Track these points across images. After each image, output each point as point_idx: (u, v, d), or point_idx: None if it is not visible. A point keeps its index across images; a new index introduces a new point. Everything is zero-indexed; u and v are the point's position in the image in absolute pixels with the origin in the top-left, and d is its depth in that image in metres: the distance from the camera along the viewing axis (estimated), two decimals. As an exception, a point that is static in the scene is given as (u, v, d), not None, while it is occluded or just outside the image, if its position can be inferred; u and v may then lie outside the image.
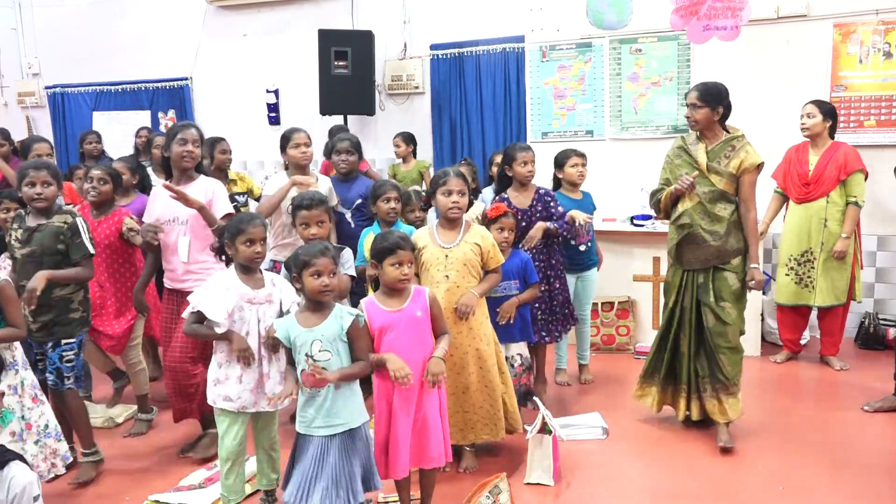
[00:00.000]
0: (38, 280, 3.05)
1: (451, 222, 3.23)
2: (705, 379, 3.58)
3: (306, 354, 2.50)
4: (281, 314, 2.85)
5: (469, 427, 3.25)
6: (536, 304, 3.96)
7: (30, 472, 2.48)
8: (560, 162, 4.35)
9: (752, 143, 3.52)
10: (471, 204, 3.95)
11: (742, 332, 3.60)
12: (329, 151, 4.43)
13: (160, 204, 3.54)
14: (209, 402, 2.91)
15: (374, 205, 3.75)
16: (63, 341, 3.23)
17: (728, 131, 3.55)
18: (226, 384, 2.85)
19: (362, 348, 2.60)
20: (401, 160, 6.20)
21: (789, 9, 5.27)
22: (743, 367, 3.61)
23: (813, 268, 4.59)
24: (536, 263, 3.90)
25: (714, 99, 3.46)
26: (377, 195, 3.74)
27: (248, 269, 2.89)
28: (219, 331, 2.79)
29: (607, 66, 5.68)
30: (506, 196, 4.00)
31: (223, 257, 2.97)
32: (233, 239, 2.84)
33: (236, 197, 4.49)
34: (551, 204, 4.01)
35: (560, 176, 4.38)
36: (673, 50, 5.51)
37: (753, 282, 3.51)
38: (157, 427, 4.04)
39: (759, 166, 3.46)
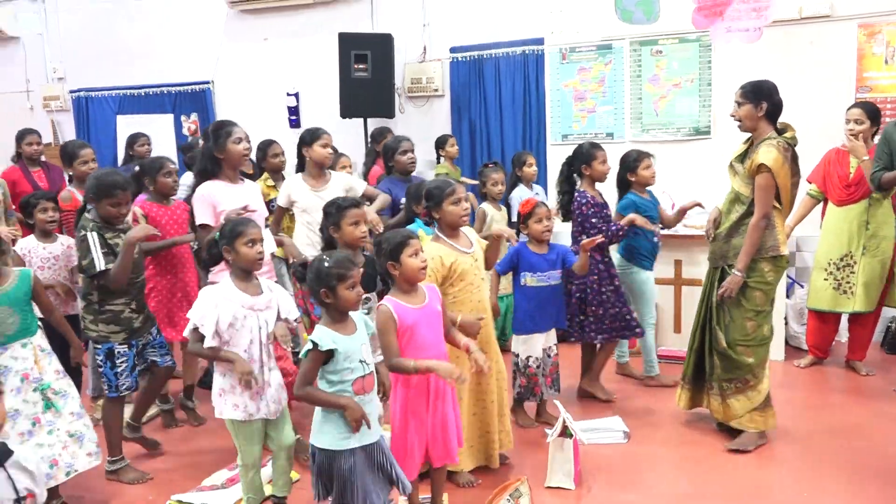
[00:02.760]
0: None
1: (455, 229, 3.18)
2: (711, 375, 3.63)
3: (360, 360, 2.45)
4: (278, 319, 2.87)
5: (485, 448, 3.29)
6: (587, 304, 4.09)
7: None
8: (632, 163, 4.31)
9: (777, 144, 3.31)
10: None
11: (741, 343, 3.47)
12: (389, 152, 4.55)
13: (232, 200, 3.46)
14: (217, 414, 2.82)
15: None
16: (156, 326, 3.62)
17: (783, 130, 3.43)
18: (233, 393, 2.79)
19: (391, 345, 2.62)
20: (447, 162, 6.00)
21: (813, 9, 5.21)
22: (751, 381, 3.48)
23: (853, 272, 4.46)
24: (597, 261, 4.07)
25: (755, 95, 3.39)
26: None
27: (246, 275, 2.83)
28: (209, 344, 2.71)
29: (627, 68, 5.65)
30: (591, 193, 4.13)
31: (211, 269, 2.92)
32: (232, 242, 2.78)
33: None
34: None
35: (633, 179, 4.27)
36: (694, 51, 5.48)
37: (723, 289, 3.45)
38: (179, 429, 4.07)
39: (764, 168, 3.28)
